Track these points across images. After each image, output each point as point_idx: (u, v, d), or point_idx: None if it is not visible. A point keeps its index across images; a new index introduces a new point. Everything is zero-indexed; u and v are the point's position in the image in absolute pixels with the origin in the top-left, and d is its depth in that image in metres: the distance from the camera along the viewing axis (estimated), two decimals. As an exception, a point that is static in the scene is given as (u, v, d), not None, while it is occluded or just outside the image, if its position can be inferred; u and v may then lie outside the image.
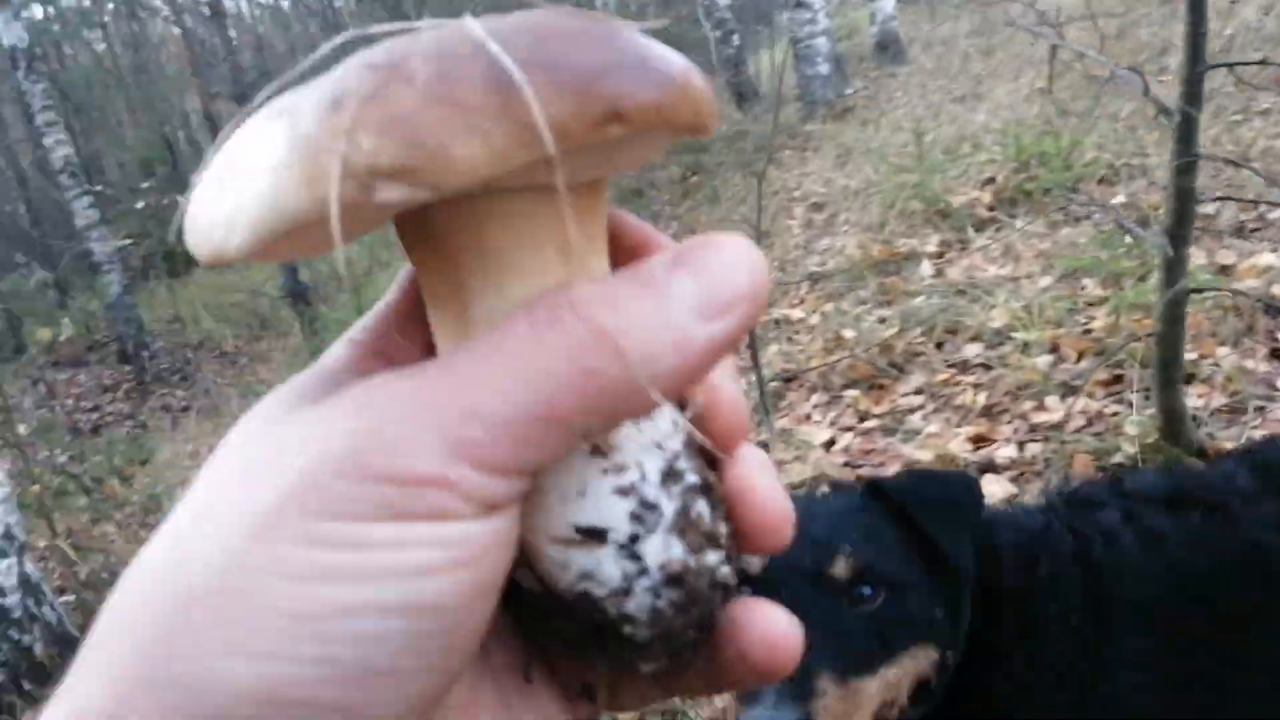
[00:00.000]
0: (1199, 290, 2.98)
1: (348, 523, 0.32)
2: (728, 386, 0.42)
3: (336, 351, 0.43)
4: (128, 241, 13.24)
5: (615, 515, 0.37)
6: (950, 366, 4.18)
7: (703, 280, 0.35)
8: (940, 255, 5.73)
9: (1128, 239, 4.26)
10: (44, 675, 5.77)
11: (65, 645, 6.14)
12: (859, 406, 4.10)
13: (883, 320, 4.96)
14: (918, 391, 4.07)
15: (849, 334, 4.81)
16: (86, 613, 7.03)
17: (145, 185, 16.75)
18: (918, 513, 1.44)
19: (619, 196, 13.85)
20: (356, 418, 0.33)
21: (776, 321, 5.86)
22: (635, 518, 0.37)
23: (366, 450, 0.32)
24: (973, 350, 4.22)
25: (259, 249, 0.32)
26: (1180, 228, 2.75)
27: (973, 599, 1.43)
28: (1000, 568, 1.46)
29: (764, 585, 1.32)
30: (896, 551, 1.43)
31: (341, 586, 0.31)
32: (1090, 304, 4.27)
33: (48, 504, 7.16)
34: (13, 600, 5.93)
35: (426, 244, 0.38)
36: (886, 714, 1.38)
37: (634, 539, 0.37)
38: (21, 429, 8.38)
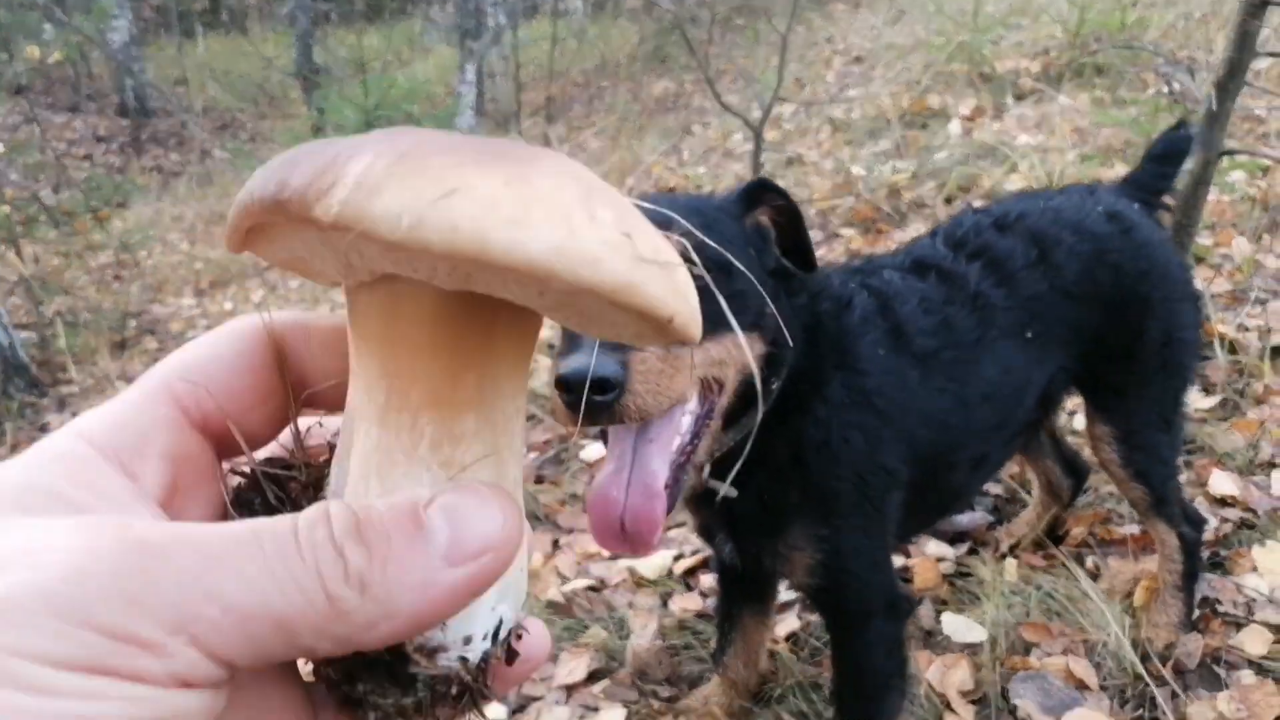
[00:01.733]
0: (1230, 153, 2.70)
1: (41, 666, 0.31)
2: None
3: (62, 446, 0.40)
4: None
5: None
6: (955, 221, 3.92)
7: (457, 527, 0.37)
8: (972, 118, 5.40)
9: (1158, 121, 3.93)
10: (-12, 395, 5.71)
11: (13, 370, 6.05)
12: (851, 245, 3.86)
13: (896, 170, 4.67)
14: (915, 240, 3.82)
15: (858, 172, 4.52)
16: (43, 348, 6.93)
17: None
18: (796, 218, 1.55)
19: (659, 31, 13.31)
20: (91, 556, 0.32)
21: (789, 161, 5.58)
22: None
23: (95, 597, 0.32)
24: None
25: (477, 266, 0.34)
26: (1232, 78, 2.47)
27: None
28: (819, 311, 1.63)
29: None
30: (736, 245, 1.47)
31: None
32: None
33: (14, 230, 6.90)
34: (-35, 317, 5.80)
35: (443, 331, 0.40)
36: (711, 396, 1.44)
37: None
38: (-3, 148, 8.04)
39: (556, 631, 2.32)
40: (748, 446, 1.42)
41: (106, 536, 0.33)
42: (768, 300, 1.44)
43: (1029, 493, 2.46)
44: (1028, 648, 2.00)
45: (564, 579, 2.58)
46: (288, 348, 0.45)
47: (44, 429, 5.65)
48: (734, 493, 1.55)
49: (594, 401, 1.24)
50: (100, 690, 0.31)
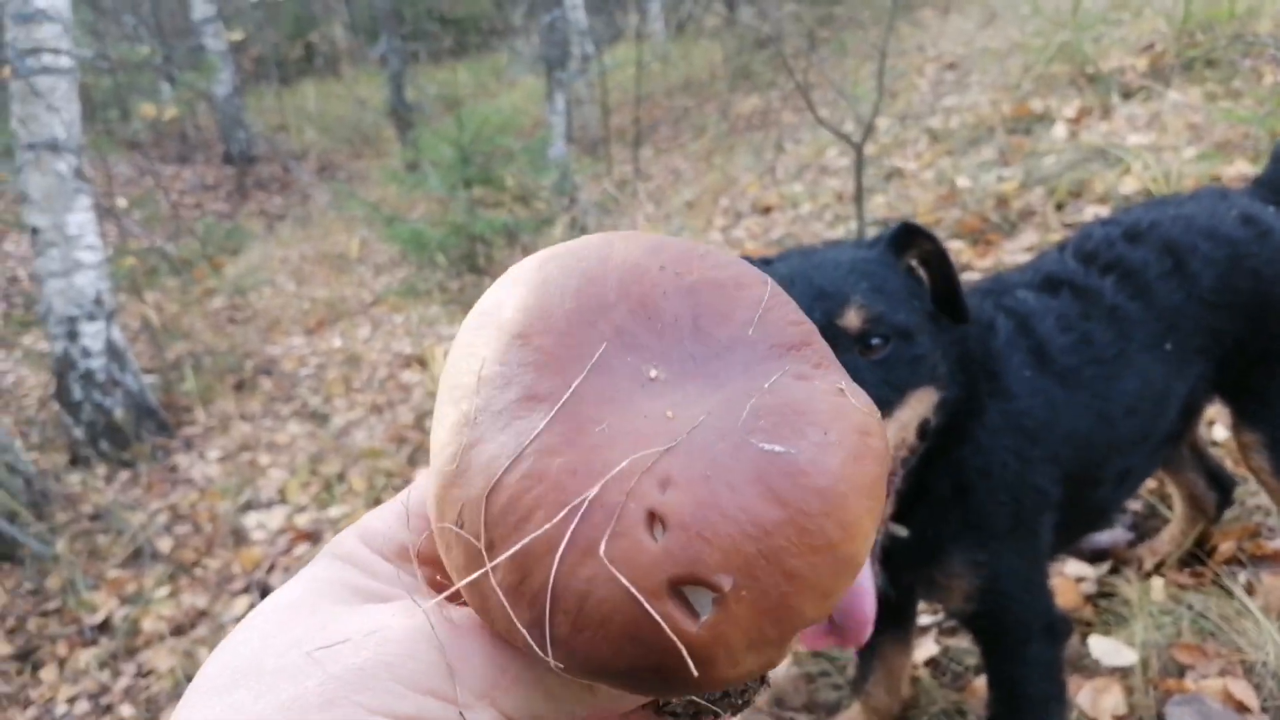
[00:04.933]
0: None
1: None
2: None
3: (347, 546, 0.49)
4: (240, 37, 13.12)
5: None
6: (1067, 227, 3.82)
7: None
8: (1077, 120, 5.25)
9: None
10: (121, 439, 5.99)
11: (144, 414, 6.31)
12: (962, 259, 3.79)
13: (1001, 179, 4.57)
14: (1028, 250, 3.73)
15: (963, 183, 4.44)
16: (168, 391, 7.25)
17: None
18: (946, 264, 1.53)
19: (742, 47, 13.33)
20: (418, 634, 0.41)
21: (889, 174, 5.51)
22: None
23: (425, 668, 0.39)
24: (1096, 213, 3.84)
25: None
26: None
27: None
28: (966, 339, 1.60)
29: None
30: (904, 301, 1.46)
31: None
32: (1236, 181, 3.83)
33: (139, 280, 7.26)
34: (98, 364, 6.08)
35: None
36: (899, 454, 1.45)
37: None
38: (121, 201, 8.50)
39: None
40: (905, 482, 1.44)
41: (423, 619, 0.41)
42: (939, 353, 1.45)
43: (1170, 508, 2.38)
44: (1181, 670, 1.93)
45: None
46: None
47: (174, 469, 5.91)
48: (904, 533, 1.56)
49: None
50: None
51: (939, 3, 10.36)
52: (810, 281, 1.44)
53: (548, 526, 0.34)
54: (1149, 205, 1.97)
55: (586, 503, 0.34)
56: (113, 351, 6.19)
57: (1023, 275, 1.88)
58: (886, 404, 1.38)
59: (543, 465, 0.35)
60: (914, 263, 1.55)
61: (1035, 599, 1.67)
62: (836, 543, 0.35)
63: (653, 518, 0.34)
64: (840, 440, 0.37)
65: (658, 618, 0.33)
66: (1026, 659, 1.69)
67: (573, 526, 0.34)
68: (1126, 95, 5.34)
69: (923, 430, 1.49)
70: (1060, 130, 5.05)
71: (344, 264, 10.58)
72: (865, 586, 1.38)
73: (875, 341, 1.40)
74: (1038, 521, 1.65)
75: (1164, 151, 4.32)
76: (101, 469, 5.69)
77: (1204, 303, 1.75)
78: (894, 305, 1.44)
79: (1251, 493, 2.32)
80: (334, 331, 8.60)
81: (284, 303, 9.69)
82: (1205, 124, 4.60)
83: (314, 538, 3.81)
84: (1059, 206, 4.15)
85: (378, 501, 4.01)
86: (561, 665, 0.36)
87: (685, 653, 0.34)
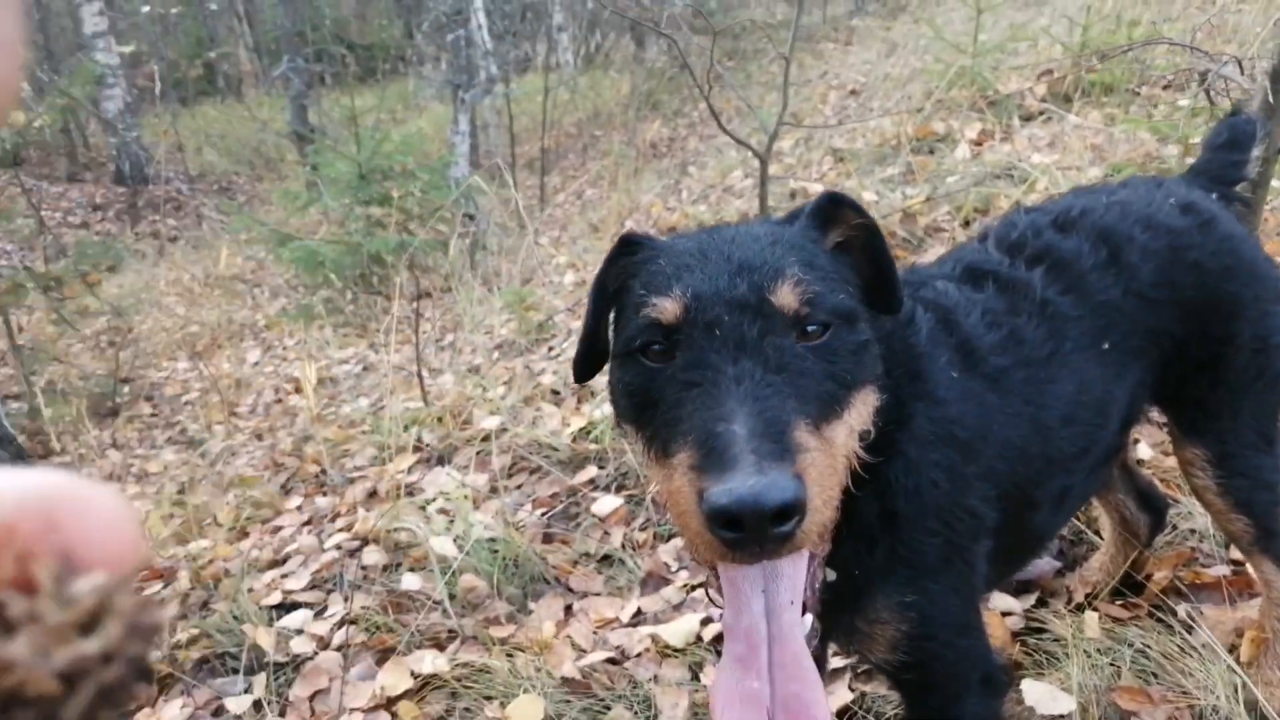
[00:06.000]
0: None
1: None
2: None
3: None
4: (132, 49, 12.56)
5: None
6: (977, 243, 3.71)
7: None
8: (979, 142, 5.22)
9: (1195, 124, 3.71)
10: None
11: (1, 444, 5.83)
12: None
13: (907, 196, 4.47)
14: (957, 246, 3.62)
15: (869, 198, 4.31)
16: (35, 419, 6.70)
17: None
18: (877, 241, 1.31)
19: (651, 75, 13.34)
20: None
21: (793, 193, 5.39)
22: None
23: None
24: (1005, 229, 3.74)
25: None
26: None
27: None
28: (886, 333, 1.37)
29: (699, 329, 1.14)
30: (838, 281, 1.24)
31: None
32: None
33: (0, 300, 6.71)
34: (-52, 389, 5.57)
35: None
36: (842, 473, 1.18)
37: None
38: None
39: (574, 714, 2.04)
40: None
41: None
42: (877, 346, 1.22)
43: (1098, 534, 2.20)
44: (1124, 716, 1.73)
45: (580, 651, 2.30)
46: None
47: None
48: (832, 575, 1.30)
49: (773, 535, 0.97)
50: None
51: (840, 37, 10.49)
52: (727, 256, 1.20)
53: None
54: (1078, 192, 1.78)
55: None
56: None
57: (940, 267, 1.67)
58: (835, 404, 1.13)
59: None
60: (840, 241, 1.31)
61: (970, 645, 1.42)
62: None
63: None
64: None
65: None
66: (961, 716, 1.44)
67: None
68: (1027, 118, 5.35)
69: (863, 441, 1.24)
70: (963, 150, 5.01)
71: (237, 287, 10.15)
72: (807, 665, 1.12)
73: (814, 328, 1.16)
74: (972, 552, 1.40)
75: (1069, 170, 4.27)
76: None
77: (1142, 298, 1.56)
78: (830, 285, 1.20)
79: (1182, 515, 2.16)
80: (222, 356, 8.18)
81: (171, 325, 9.26)
82: (1107, 145, 4.59)
83: (169, 576, 3.42)
84: (966, 223, 4.09)
85: (243, 534, 3.63)
86: None
87: None
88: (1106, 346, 1.53)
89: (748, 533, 0.96)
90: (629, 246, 1.32)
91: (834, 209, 1.31)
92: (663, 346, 1.17)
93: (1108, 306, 1.54)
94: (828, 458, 1.08)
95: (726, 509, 0.95)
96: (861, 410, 1.20)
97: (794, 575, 1.16)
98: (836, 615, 1.36)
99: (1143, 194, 1.67)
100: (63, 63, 15.34)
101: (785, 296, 1.15)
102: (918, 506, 1.33)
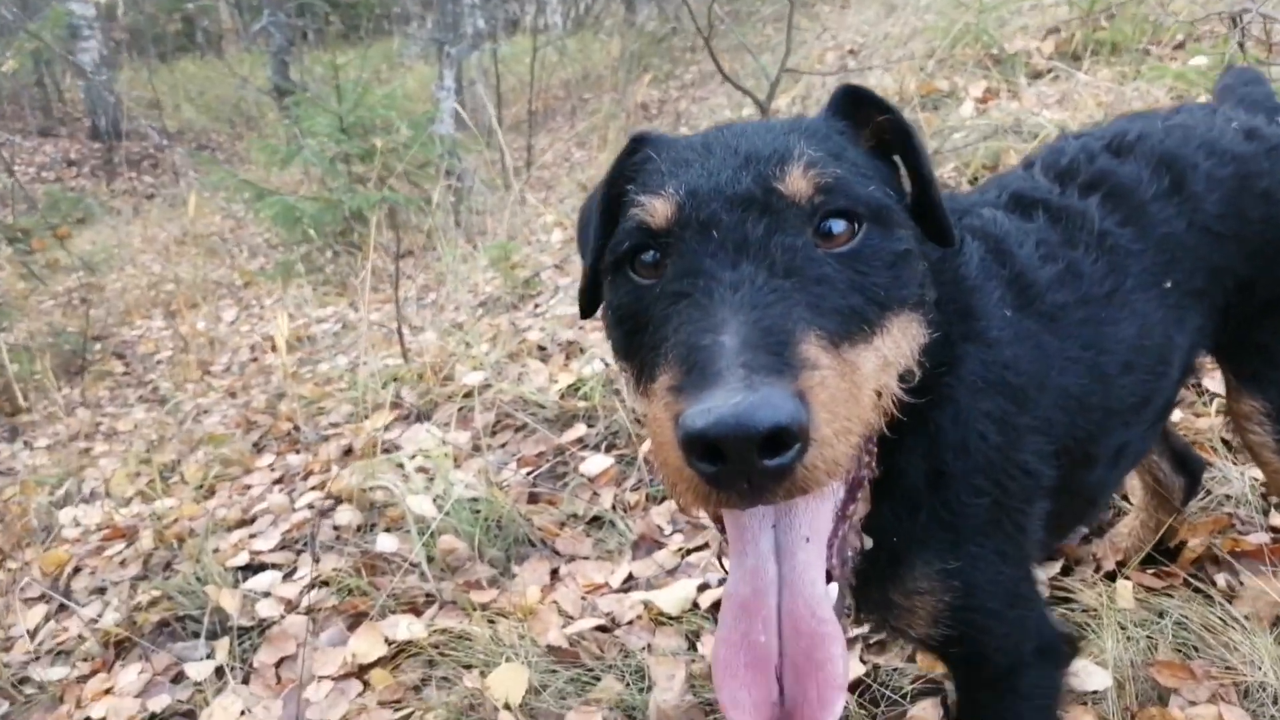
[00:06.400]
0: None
1: None
2: None
3: None
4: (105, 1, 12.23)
5: None
6: (987, 199, 3.55)
7: None
8: (984, 100, 5.06)
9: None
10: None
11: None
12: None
13: (912, 152, 4.32)
14: (1000, 174, 3.49)
15: (874, 152, 4.15)
16: (2, 376, 6.50)
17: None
18: (910, 143, 1.12)
19: (642, 36, 13.12)
20: None
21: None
22: None
23: None
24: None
25: None
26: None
27: None
28: (930, 263, 1.16)
29: (693, 230, 0.95)
30: (872, 175, 1.05)
31: None
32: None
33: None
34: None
35: None
36: (876, 417, 1.00)
37: None
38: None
39: (560, 684, 1.89)
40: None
41: None
42: (926, 267, 1.03)
43: (1124, 497, 2.05)
44: (1164, 694, 1.59)
45: (567, 618, 2.15)
46: None
47: (-7, 459, 5.26)
48: (869, 543, 1.11)
49: (763, 469, 0.77)
50: None
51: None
52: (734, 149, 1.01)
53: None
54: (1131, 117, 1.61)
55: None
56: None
57: (983, 195, 1.51)
58: (861, 322, 0.93)
59: None
60: (870, 143, 1.12)
61: (1025, 613, 1.25)
62: None
63: None
64: None
65: None
66: (1018, 692, 1.27)
67: None
68: (1034, 76, 5.20)
69: (905, 382, 1.05)
70: (968, 108, 4.86)
71: (215, 245, 9.95)
72: (826, 619, 0.93)
73: (837, 226, 0.96)
74: (1025, 514, 1.23)
75: (1080, 126, 4.12)
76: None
77: (1207, 232, 1.39)
78: (859, 175, 1.00)
79: (1217, 480, 2.01)
80: (198, 314, 7.99)
81: (146, 283, 9.05)
82: (1117, 102, 4.44)
83: (131, 535, 3.24)
84: (973, 180, 3.94)
85: (210, 492, 3.46)
86: None
87: None
88: (1169, 285, 1.36)
89: (730, 463, 0.76)
90: (637, 146, 1.14)
91: (855, 105, 1.13)
92: (654, 257, 0.99)
93: (1170, 240, 1.37)
94: (846, 382, 0.87)
95: (703, 432, 0.75)
96: (900, 340, 1.00)
97: (813, 509, 0.97)
98: (866, 587, 1.19)
99: (1201, 118, 1.50)
100: (38, 14, 14.95)
101: (796, 182, 0.96)
102: (964, 462, 1.16)
